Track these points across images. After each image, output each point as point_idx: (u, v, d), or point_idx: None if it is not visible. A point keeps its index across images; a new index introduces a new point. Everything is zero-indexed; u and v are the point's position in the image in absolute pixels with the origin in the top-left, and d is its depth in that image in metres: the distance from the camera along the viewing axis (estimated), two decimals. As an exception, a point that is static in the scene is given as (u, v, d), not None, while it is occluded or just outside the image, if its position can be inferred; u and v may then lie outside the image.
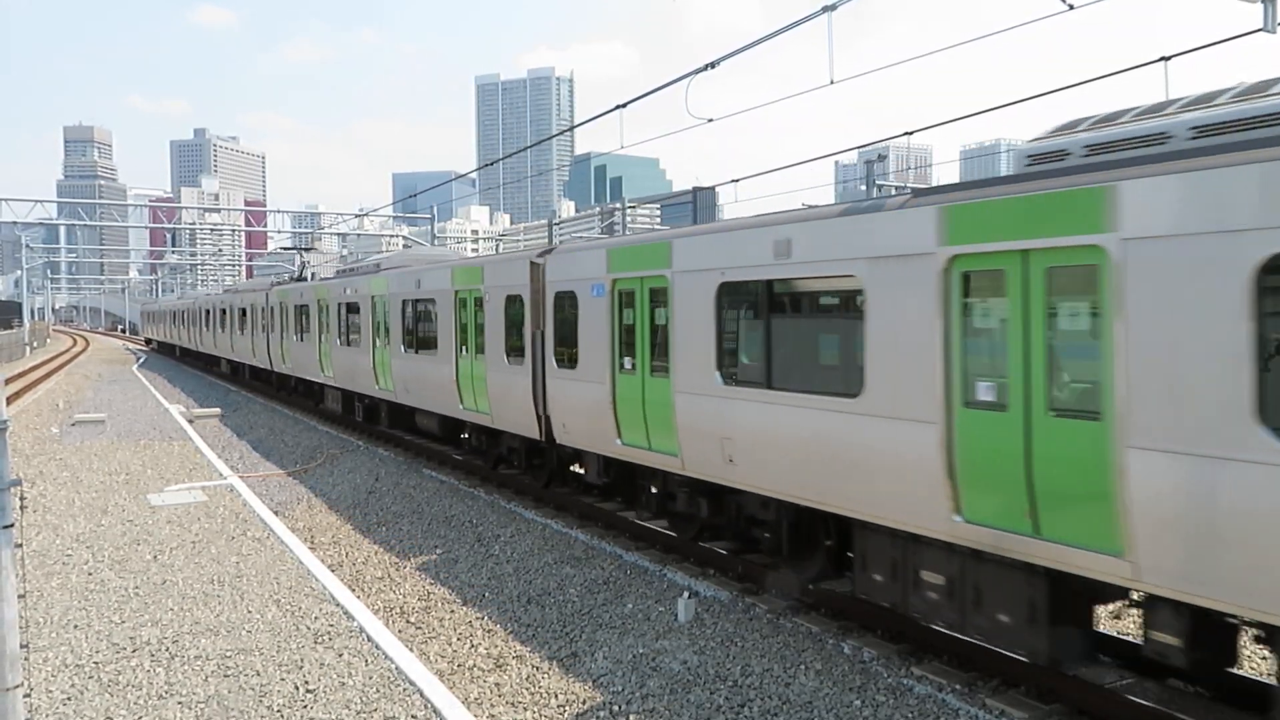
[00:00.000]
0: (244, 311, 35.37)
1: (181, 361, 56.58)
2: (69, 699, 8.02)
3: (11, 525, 5.22)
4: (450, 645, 9.92)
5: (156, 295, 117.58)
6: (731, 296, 10.07)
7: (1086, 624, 7.57)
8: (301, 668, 8.66)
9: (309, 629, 9.70)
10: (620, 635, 9.70)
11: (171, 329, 60.49)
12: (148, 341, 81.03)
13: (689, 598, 10.01)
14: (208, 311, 44.58)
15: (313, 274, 31.04)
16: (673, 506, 11.88)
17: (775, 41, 12.81)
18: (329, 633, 9.57)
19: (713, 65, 13.79)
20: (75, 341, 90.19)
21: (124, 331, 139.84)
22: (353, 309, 22.75)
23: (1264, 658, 8.16)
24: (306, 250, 38.73)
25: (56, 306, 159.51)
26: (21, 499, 5.64)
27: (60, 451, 21.45)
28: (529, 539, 13.25)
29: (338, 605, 10.41)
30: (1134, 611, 7.95)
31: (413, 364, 18.94)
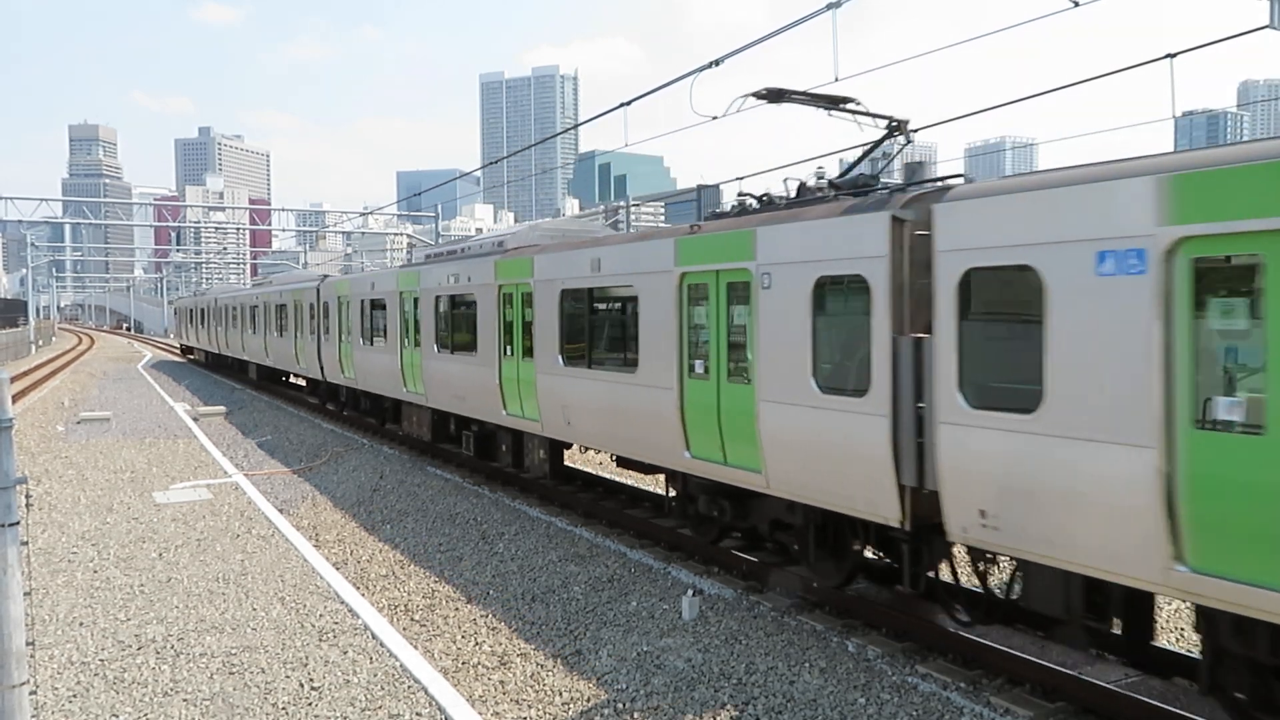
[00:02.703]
0: (517, 298, 15.33)
1: (188, 360, 56.13)
2: (75, 696, 8.05)
3: (17, 523, 5.23)
4: (455, 643, 9.92)
5: (161, 293, 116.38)
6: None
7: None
8: (306, 665, 8.68)
9: (314, 626, 9.72)
10: (624, 633, 9.70)
11: (248, 337, 35.42)
12: (184, 351, 58.42)
13: (693, 595, 10.01)
14: (369, 303, 21.44)
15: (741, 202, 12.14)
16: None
17: (779, 39, 12.79)
18: (333, 630, 9.60)
19: (717, 63, 13.75)
20: (80, 340, 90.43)
21: (129, 330, 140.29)
22: None
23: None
24: None
25: (61, 305, 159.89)
26: (27, 497, 5.66)
27: (66, 449, 21.52)
28: (533, 537, 13.26)
29: (342, 603, 10.44)
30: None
31: None
